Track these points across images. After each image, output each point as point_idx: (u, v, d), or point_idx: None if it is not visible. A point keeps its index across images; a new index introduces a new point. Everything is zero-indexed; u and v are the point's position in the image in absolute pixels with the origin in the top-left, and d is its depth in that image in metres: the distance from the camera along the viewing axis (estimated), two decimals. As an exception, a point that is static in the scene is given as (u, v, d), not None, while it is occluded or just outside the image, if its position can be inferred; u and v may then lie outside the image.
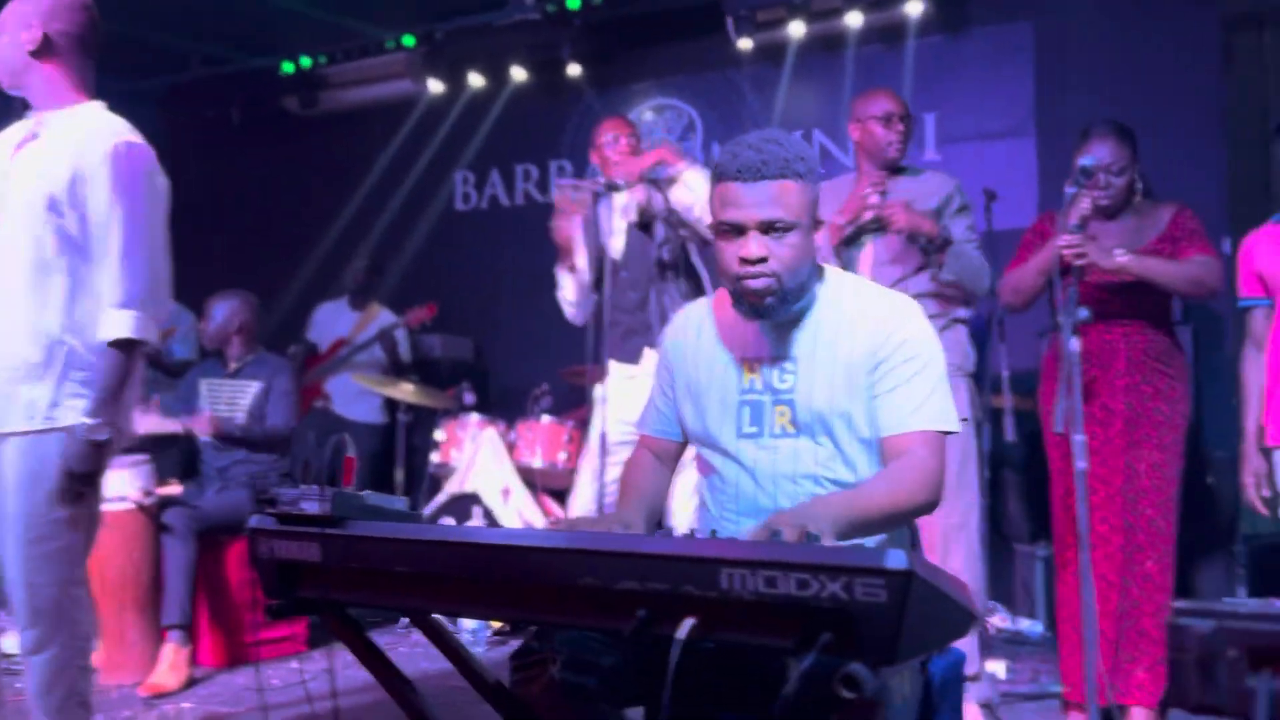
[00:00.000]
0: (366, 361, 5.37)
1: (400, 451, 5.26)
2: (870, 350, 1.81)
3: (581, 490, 3.69)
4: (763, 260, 1.75)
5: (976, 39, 5.22)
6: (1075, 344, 2.74)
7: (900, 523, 1.80)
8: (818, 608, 1.18)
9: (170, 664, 3.57)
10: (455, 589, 1.49)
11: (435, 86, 6.19)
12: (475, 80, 6.14)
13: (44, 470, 2.24)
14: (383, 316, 5.49)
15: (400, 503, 1.63)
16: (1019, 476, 4.70)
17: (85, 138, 2.30)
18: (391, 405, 5.42)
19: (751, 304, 1.80)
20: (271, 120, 6.62)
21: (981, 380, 3.78)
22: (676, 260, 3.59)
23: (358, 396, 5.40)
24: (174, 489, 3.88)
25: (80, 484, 2.24)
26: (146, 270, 2.30)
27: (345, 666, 1.88)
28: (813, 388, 1.81)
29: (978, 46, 5.21)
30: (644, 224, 3.61)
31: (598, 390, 3.73)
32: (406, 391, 5.06)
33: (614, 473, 3.60)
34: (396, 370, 5.38)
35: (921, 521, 1.92)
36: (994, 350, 3.61)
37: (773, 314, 1.81)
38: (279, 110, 6.53)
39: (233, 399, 4.17)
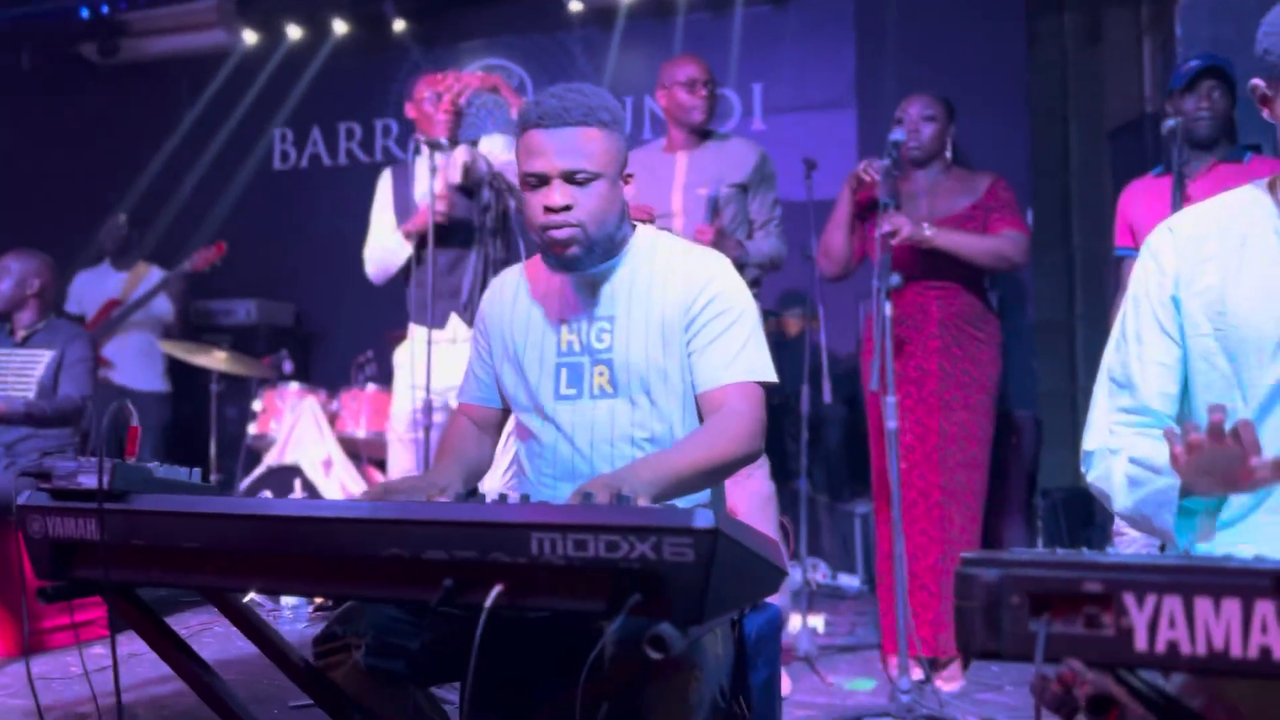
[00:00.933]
0: (143, 321, 5.05)
1: (212, 422, 4.99)
2: (683, 306, 1.80)
3: (398, 462, 3.60)
4: (567, 209, 1.73)
5: (800, 10, 5.33)
6: (888, 308, 2.84)
7: (722, 476, 1.81)
8: (627, 570, 1.16)
9: (-49, 656, 3.29)
10: (251, 565, 1.41)
11: (250, 37, 5.86)
12: (294, 32, 5.85)
13: None
14: (152, 274, 5.14)
15: (194, 474, 1.52)
16: (838, 437, 4.88)
17: None
18: (177, 371, 5.12)
19: (557, 255, 1.78)
20: (67, 68, 6.12)
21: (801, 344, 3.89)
22: (497, 226, 3.53)
23: (141, 364, 5.06)
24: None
25: None
26: None
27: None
28: (629, 346, 1.80)
29: (801, 18, 5.32)
30: (466, 187, 3.52)
31: (399, 354, 3.63)
32: (219, 359, 4.80)
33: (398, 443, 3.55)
34: (185, 326, 5.10)
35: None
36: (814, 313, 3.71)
37: (579, 265, 1.79)
38: (75, 57, 6.05)
39: (22, 370, 3.84)
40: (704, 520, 1.14)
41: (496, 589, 1.19)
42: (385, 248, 3.60)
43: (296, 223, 6.05)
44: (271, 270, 5.84)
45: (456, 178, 3.48)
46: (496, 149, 3.47)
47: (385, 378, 4.80)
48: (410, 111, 3.63)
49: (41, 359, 3.86)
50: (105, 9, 5.85)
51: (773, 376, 1.84)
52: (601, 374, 1.82)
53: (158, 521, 1.40)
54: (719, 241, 3.07)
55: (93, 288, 5.16)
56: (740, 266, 3.19)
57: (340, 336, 5.71)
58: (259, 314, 5.68)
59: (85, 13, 5.83)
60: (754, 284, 3.28)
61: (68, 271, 5.15)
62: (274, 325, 5.76)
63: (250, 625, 1.64)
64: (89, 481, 1.40)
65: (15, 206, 5.98)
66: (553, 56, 5.74)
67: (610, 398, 1.81)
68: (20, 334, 3.89)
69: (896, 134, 3.04)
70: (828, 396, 3.48)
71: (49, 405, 3.76)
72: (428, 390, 3.36)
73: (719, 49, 5.26)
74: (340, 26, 5.78)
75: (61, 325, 3.97)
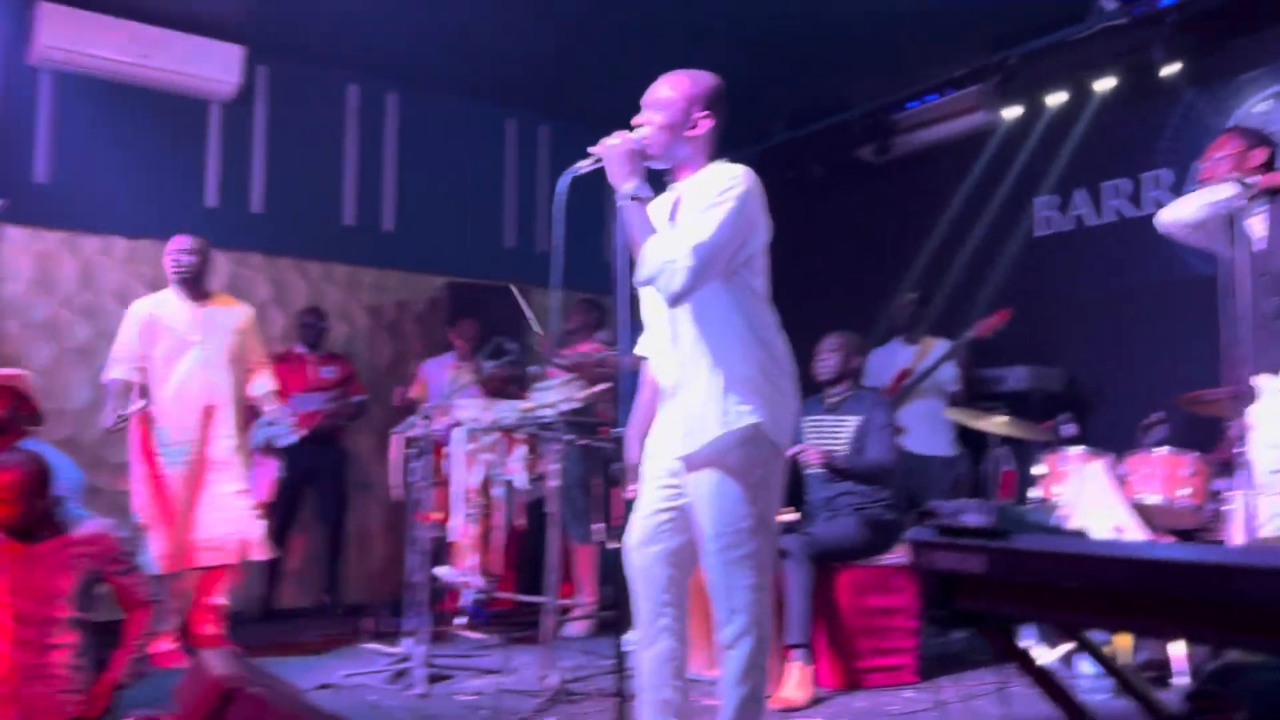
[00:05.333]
0: (930, 388, 5.43)
1: (993, 486, 5.14)
2: None
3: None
4: None
5: None
6: None
7: None
8: None
9: (797, 681, 3.82)
10: (1124, 605, 1.41)
11: (1010, 113, 6.05)
12: (1054, 100, 5.89)
13: (724, 484, 2.59)
14: (938, 346, 5.50)
15: (1059, 519, 1.60)
16: None
17: (709, 182, 2.64)
18: (964, 438, 5.36)
19: None
20: (848, 171, 6.96)
21: None
22: None
23: (929, 430, 5.42)
24: (791, 515, 4.18)
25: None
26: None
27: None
28: None
29: None
30: None
31: (1248, 415, 3.30)
32: (999, 424, 4.94)
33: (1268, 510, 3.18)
34: (969, 391, 5.34)
35: None
36: None
37: None
38: (854, 161, 6.85)
39: (834, 434, 4.40)
40: None
41: None
42: None
43: (1061, 287, 6.03)
44: (1039, 336, 5.88)
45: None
46: None
47: (1178, 441, 4.49)
48: (1206, 173, 3.43)
49: (848, 424, 4.37)
50: (879, 114, 6.54)
51: None
52: None
53: (1042, 561, 1.48)
54: None
55: (885, 363, 5.73)
56: None
57: (1119, 399, 5.49)
58: (1030, 380, 5.74)
59: (866, 118, 6.58)
60: None
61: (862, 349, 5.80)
62: (1045, 390, 5.77)
63: (1055, 688, 1.64)
64: (974, 520, 1.55)
65: (815, 297, 6.91)
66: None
67: None
68: (830, 402, 4.46)
69: None
70: None
71: (861, 464, 4.23)
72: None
73: None
74: (1102, 84, 5.66)
75: (864, 394, 4.46)
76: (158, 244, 6.02)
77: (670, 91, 2.69)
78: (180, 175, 6.11)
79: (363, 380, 6.31)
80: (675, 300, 2.55)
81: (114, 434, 4.57)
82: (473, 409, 4.78)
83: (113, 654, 3.72)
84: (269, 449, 5.03)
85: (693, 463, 2.64)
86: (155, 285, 5.90)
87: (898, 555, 4.21)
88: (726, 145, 2.81)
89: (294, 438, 4.89)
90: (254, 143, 6.40)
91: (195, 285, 4.65)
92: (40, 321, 5.59)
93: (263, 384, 4.75)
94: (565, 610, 5.21)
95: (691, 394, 2.65)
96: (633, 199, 2.57)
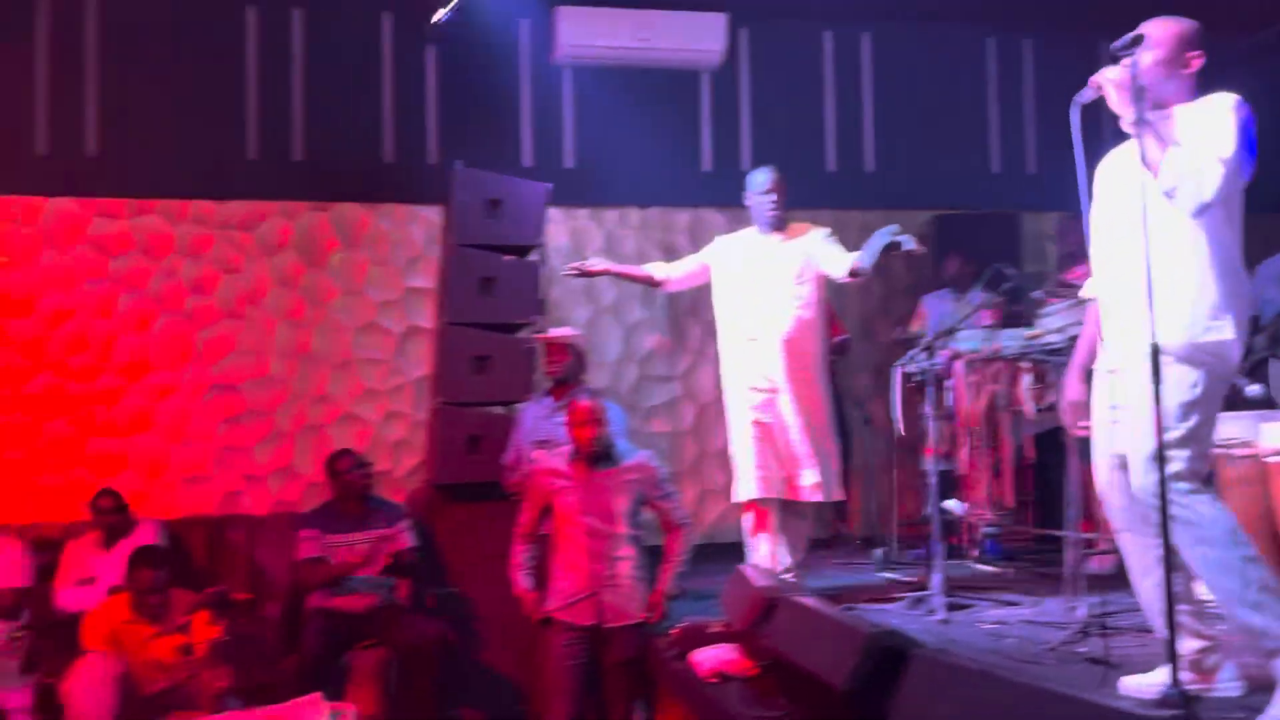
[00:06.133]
0: None
1: None
2: None
3: None
4: None
5: None
6: None
7: None
8: None
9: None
10: None
11: None
12: None
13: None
14: None
15: None
16: None
17: (1210, 106, 2.69)
18: None
19: None
20: None
21: None
22: None
23: None
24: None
25: None
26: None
27: None
28: None
29: None
30: None
31: None
32: None
33: None
34: None
35: None
36: None
37: None
38: None
39: None
40: None
41: None
42: None
43: None
44: None
45: None
46: None
47: None
48: None
49: None
50: None
51: None
52: None
53: None
54: None
55: None
56: None
57: None
58: None
59: None
60: None
61: None
62: None
63: None
64: None
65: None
66: None
67: None
68: None
69: None
70: None
71: None
72: None
73: None
74: None
75: None
76: (664, 211, 6.70)
77: (1161, 31, 2.75)
78: (678, 145, 6.63)
79: (852, 319, 6.45)
80: (1201, 209, 2.60)
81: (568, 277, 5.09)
82: (973, 339, 4.70)
83: (660, 570, 4.26)
84: (888, 250, 4.45)
85: (1137, 367, 2.60)
86: (666, 249, 6.54)
87: None
88: (1212, 37, 2.76)
89: (915, 245, 4.39)
90: (741, 105, 6.77)
91: (773, 221, 4.57)
92: (578, 287, 6.40)
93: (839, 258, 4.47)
94: (1087, 545, 4.95)
95: (1156, 298, 2.61)
96: (1140, 121, 2.63)
